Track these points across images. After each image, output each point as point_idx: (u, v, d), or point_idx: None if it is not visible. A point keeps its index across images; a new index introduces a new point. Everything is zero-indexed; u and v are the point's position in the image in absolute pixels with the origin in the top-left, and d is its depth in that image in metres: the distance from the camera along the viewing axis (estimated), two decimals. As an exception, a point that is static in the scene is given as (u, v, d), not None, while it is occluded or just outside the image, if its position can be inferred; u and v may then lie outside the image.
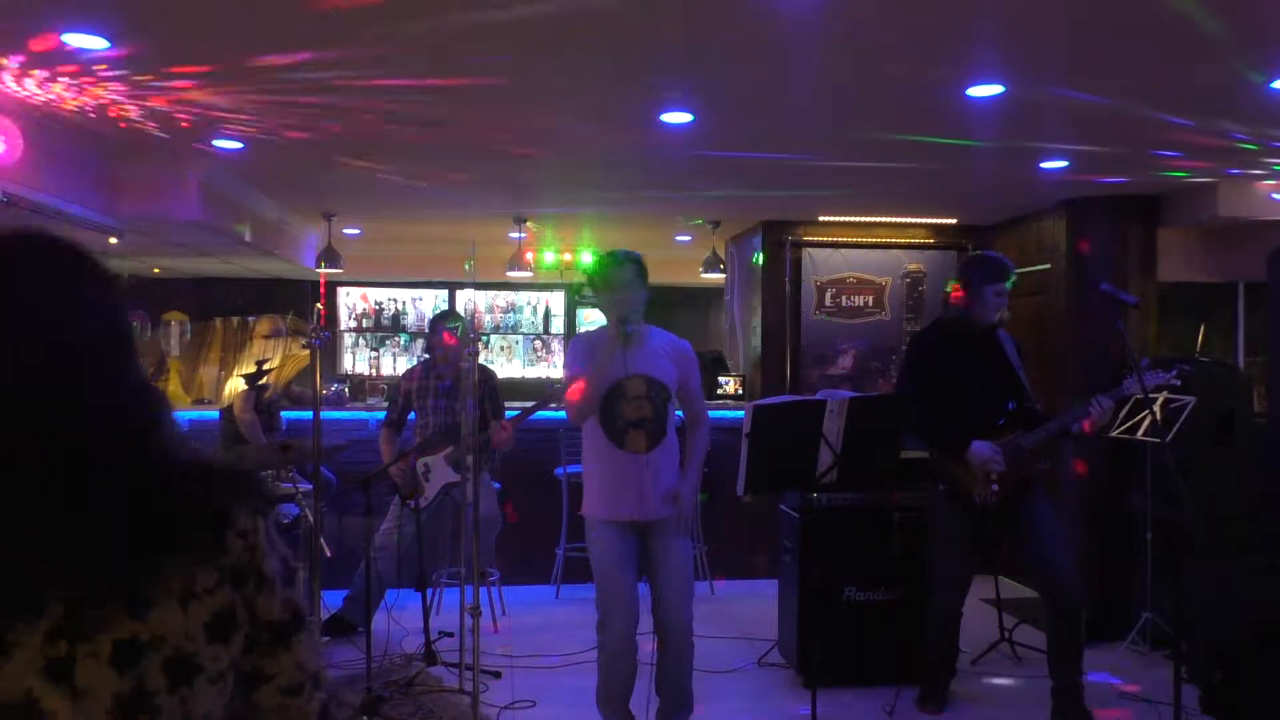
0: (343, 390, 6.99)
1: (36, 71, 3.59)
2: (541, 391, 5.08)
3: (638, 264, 3.59)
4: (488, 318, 11.12)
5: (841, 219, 6.97)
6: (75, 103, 4.00)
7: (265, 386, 5.71)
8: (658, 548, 3.54)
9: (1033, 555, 4.03)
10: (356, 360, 11.02)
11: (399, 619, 5.12)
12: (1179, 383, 4.01)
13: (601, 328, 3.73)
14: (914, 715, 4.24)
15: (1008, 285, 4.05)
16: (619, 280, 3.54)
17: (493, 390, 5.26)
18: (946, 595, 4.19)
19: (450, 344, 5.15)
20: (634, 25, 3.11)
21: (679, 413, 3.72)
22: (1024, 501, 4.01)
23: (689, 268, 8.52)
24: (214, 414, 5.98)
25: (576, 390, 3.52)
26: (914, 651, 4.55)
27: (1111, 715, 4.18)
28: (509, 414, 5.28)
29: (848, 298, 7.04)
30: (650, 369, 3.54)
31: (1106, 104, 3.97)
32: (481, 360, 5.38)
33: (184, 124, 4.32)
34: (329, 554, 4.32)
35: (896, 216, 6.95)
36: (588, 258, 7.77)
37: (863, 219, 6.98)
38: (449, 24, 3.09)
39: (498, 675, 4.68)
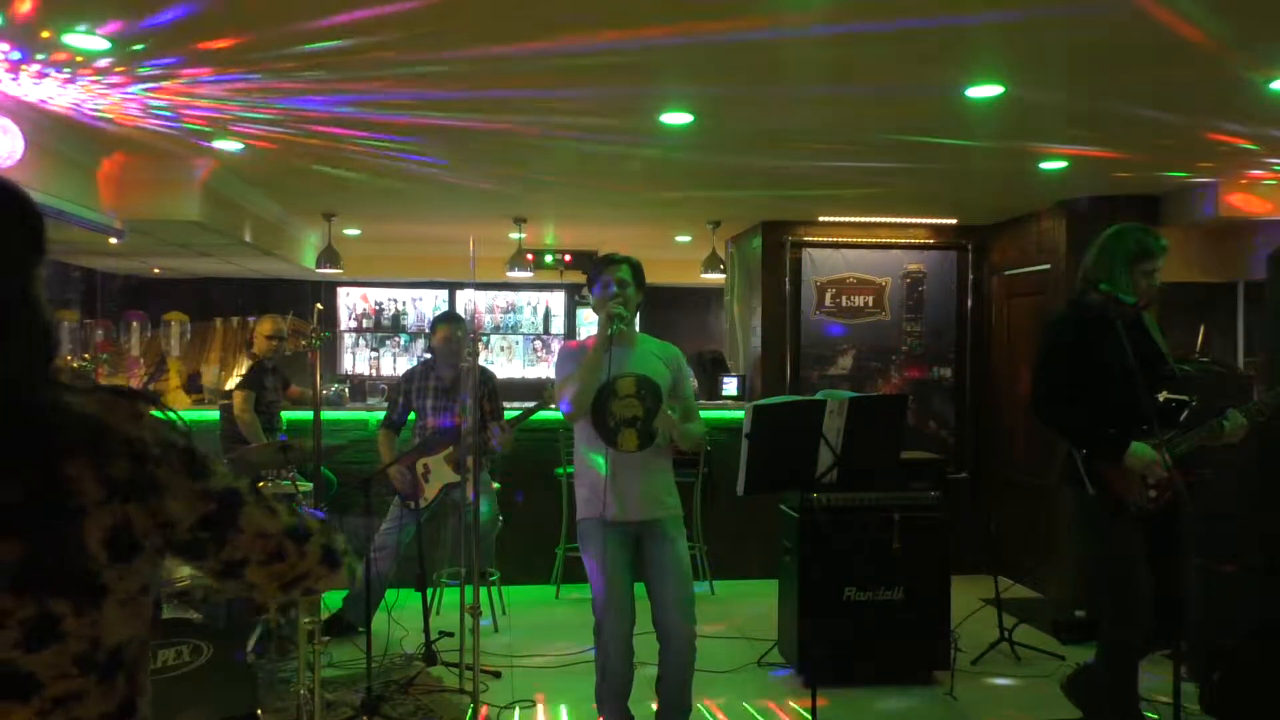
0: (343, 390, 6.99)
1: (37, 71, 3.59)
2: (541, 392, 5.07)
3: (634, 266, 3.60)
4: (488, 318, 11.12)
5: (841, 219, 6.98)
6: (75, 103, 4.00)
7: (265, 385, 5.71)
8: (654, 551, 3.53)
9: (1161, 578, 3.57)
10: (356, 360, 11.02)
11: (399, 619, 5.12)
12: None
13: (592, 335, 3.73)
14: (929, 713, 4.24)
15: (1159, 261, 3.54)
16: (613, 279, 3.55)
17: (492, 391, 5.26)
18: (1126, 625, 3.52)
19: (451, 347, 5.17)
20: (634, 25, 3.12)
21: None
22: (1176, 517, 3.54)
23: (689, 268, 8.52)
24: (214, 414, 5.98)
25: (567, 386, 3.53)
26: (914, 651, 4.57)
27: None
28: (509, 414, 5.28)
29: (848, 298, 7.04)
30: (641, 368, 3.54)
31: (1106, 104, 3.98)
32: (481, 361, 5.38)
33: (185, 124, 4.33)
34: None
35: (896, 216, 6.96)
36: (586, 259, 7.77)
37: (863, 219, 6.98)
38: (447, 21, 3.09)
39: (498, 675, 4.68)
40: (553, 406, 4.67)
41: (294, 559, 1.20)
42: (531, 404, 5.27)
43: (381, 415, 5.43)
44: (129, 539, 1.05)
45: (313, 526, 1.25)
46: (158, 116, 4.21)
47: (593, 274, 3.65)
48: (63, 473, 1.02)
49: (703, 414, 6.29)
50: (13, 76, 3.64)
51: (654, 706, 3.64)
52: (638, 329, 3.76)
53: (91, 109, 4.09)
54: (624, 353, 3.51)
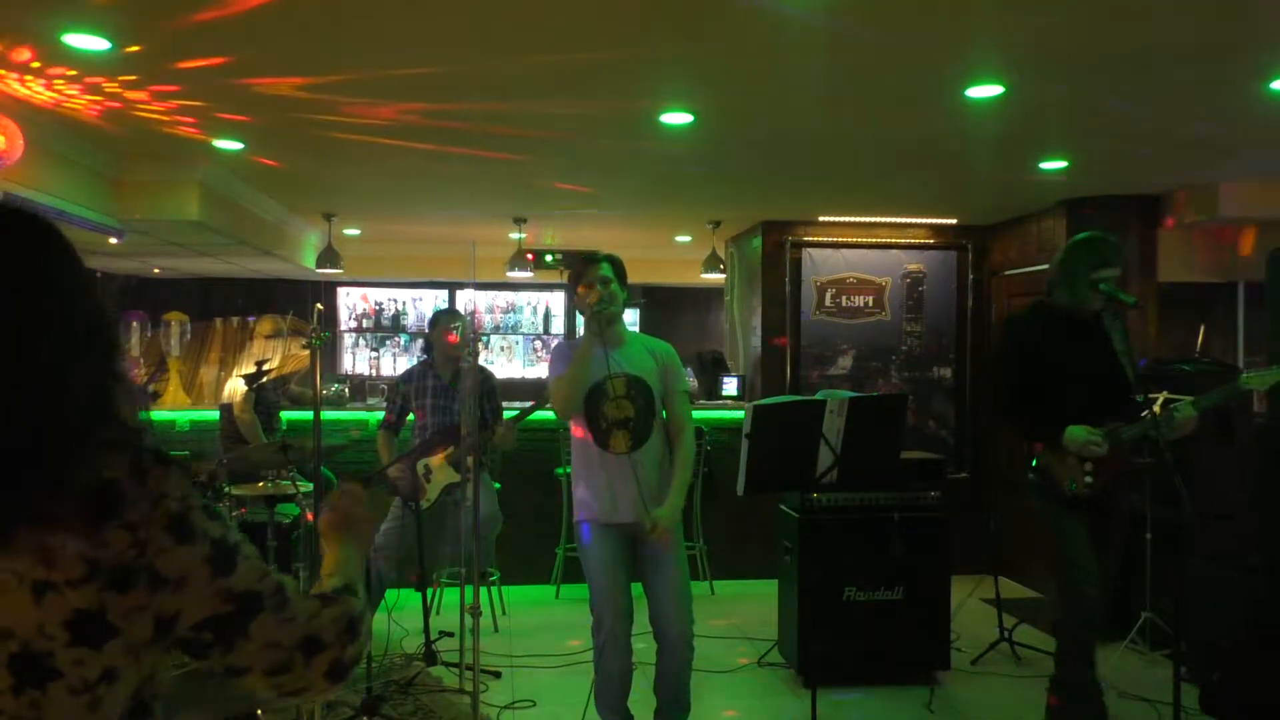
0: (343, 390, 6.99)
1: (37, 71, 3.59)
2: (541, 392, 5.06)
3: (615, 263, 3.56)
4: (488, 318, 11.12)
5: (841, 219, 6.98)
6: (77, 103, 4.00)
7: (265, 385, 5.71)
8: (650, 552, 3.51)
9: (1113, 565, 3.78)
10: (356, 360, 11.02)
11: (399, 619, 5.12)
12: None
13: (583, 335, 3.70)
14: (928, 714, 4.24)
15: (1114, 270, 3.65)
16: (594, 278, 3.50)
17: (491, 390, 5.25)
18: (1073, 606, 3.71)
19: (451, 343, 5.15)
20: (634, 25, 3.12)
21: (663, 412, 3.64)
22: (1115, 503, 3.74)
23: (689, 268, 8.52)
24: (214, 414, 5.98)
25: (557, 388, 3.51)
26: (914, 651, 4.57)
27: (1111, 715, 4.17)
28: (508, 414, 5.28)
29: (848, 298, 7.04)
30: (631, 367, 3.50)
31: (1107, 104, 3.97)
32: (481, 361, 5.38)
33: (185, 124, 4.33)
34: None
35: (896, 216, 6.96)
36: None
37: (863, 219, 6.98)
38: (448, 22, 3.09)
39: (498, 675, 4.68)
40: (548, 406, 4.67)
41: (299, 672, 1.10)
42: (529, 403, 5.27)
43: (378, 415, 5.43)
44: (100, 624, 0.95)
45: (328, 638, 1.12)
46: (158, 117, 4.21)
47: (574, 274, 3.60)
48: (42, 540, 0.93)
49: (703, 414, 6.34)
50: (14, 75, 3.64)
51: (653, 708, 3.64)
52: (637, 328, 3.74)
53: (78, 105, 4.09)
54: (613, 352, 3.48)
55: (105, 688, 0.96)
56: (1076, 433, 3.60)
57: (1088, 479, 3.64)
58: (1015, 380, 3.80)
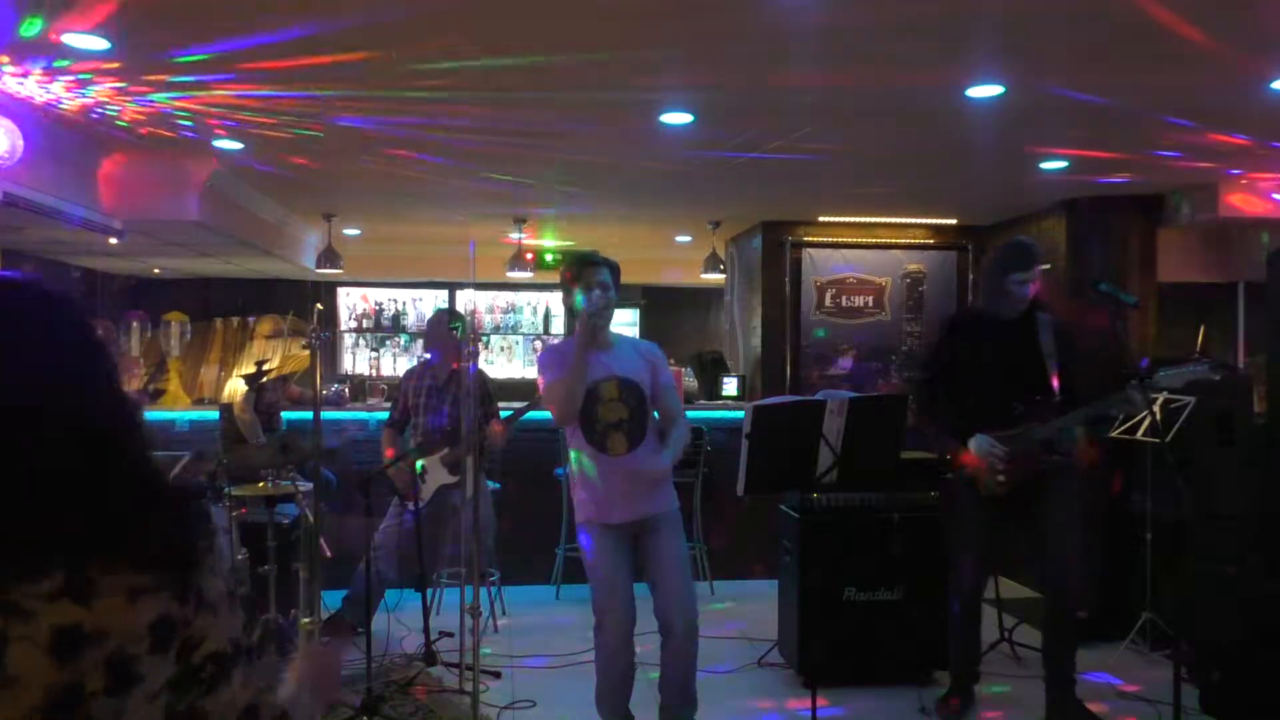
0: (343, 391, 6.99)
1: (37, 71, 3.59)
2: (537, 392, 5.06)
3: (613, 268, 3.54)
4: (488, 318, 11.12)
5: (841, 219, 6.98)
6: (77, 103, 4.00)
7: (265, 386, 5.71)
8: (652, 547, 3.53)
9: (1037, 551, 4.00)
10: (356, 360, 11.02)
11: (399, 619, 5.12)
12: (1217, 376, 3.93)
13: (569, 338, 3.69)
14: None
15: (1029, 273, 3.84)
16: (594, 282, 3.47)
17: (485, 394, 5.25)
18: (958, 588, 4.15)
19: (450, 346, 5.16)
20: (634, 24, 3.12)
21: (655, 413, 3.63)
22: (1040, 495, 3.92)
23: (689, 268, 8.53)
24: (214, 414, 5.98)
25: (553, 393, 3.49)
26: (914, 651, 4.57)
27: (1111, 715, 4.18)
28: (504, 414, 5.29)
29: (848, 298, 7.04)
30: (621, 370, 3.50)
31: (1106, 104, 3.98)
32: (482, 361, 5.38)
33: (184, 124, 4.33)
34: (329, 554, 4.31)
35: (896, 216, 6.96)
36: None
37: (863, 219, 6.98)
38: (445, 22, 3.09)
39: (498, 675, 4.68)
40: (544, 406, 4.65)
41: None
42: (523, 404, 5.27)
43: (378, 415, 5.43)
44: (171, 630, 0.99)
45: (264, 715, 1.13)
46: (157, 116, 4.21)
47: (573, 274, 3.54)
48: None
49: (704, 414, 6.35)
50: (17, 77, 3.64)
51: (655, 708, 3.64)
52: (637, 328, 3.75)
53: (78, 106, 4.09)
54: (603, 356, 3.49)
55: (161, 697, 0.99)
56: (976, 445, 3.89)
57: (1000, 478, 3.88)
58: (928, 377, 4.14)
